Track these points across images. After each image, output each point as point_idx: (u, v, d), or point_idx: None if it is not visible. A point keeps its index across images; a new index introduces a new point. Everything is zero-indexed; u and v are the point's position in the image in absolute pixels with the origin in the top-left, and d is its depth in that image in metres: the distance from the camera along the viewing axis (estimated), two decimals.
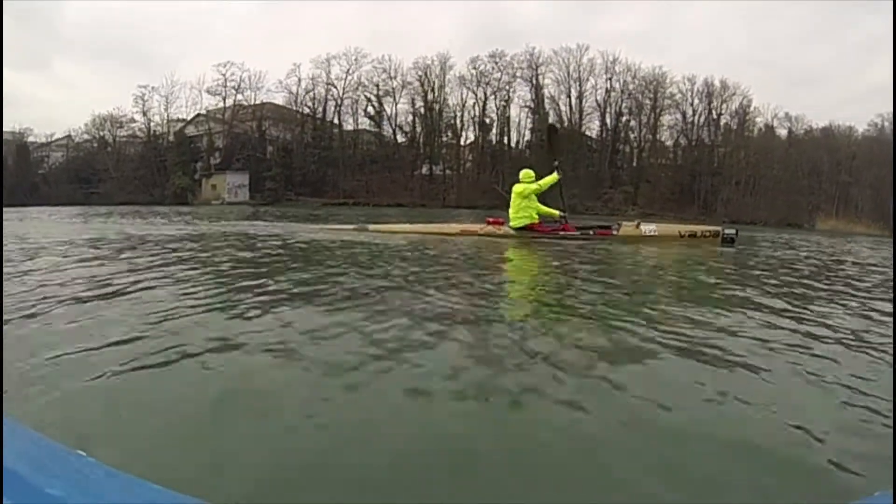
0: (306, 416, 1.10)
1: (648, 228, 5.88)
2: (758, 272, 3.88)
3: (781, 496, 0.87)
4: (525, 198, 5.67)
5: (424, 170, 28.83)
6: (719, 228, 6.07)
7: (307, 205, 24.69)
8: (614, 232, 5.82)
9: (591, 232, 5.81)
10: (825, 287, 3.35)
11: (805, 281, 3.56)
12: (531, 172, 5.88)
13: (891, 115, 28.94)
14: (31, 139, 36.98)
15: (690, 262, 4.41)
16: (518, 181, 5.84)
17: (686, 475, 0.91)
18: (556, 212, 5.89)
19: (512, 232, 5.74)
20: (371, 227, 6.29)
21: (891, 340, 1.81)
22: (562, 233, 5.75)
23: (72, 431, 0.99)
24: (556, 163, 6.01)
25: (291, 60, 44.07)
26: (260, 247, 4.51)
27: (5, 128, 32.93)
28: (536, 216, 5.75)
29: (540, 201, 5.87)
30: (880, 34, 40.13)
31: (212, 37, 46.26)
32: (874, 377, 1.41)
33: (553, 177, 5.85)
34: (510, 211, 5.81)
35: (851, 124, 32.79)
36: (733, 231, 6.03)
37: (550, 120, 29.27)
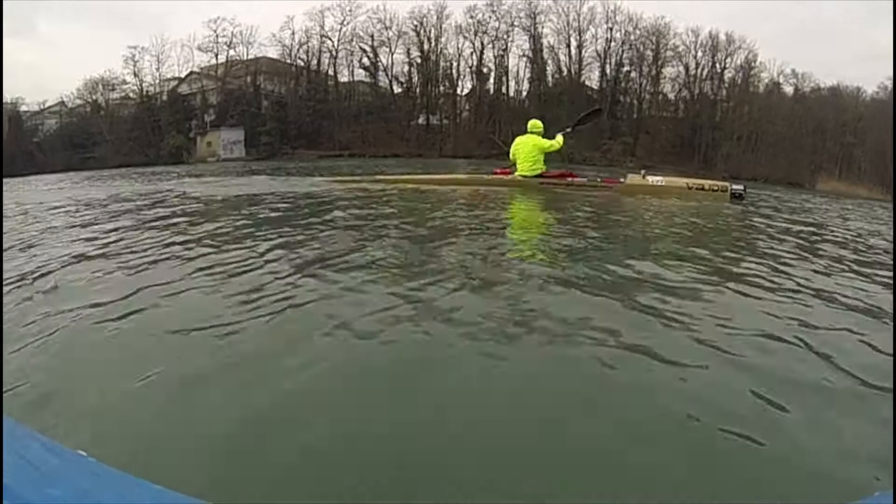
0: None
1: (655, 179, 5.81)
2: (769, 234, 3.64)
3: (781, 496, 0.86)
4: (540, 152, 5.69)
5: (421, 120, 28.41)
6: (727, 184, 5.92)
7: (303, 158, 24.53)
8: (621, 180, 5.84)
9: (598, 180, 5.83)
10: (837, 257, 3.03)
11: (819, 249, 3.21)
12: (539, 123, 5.85)
13: None
14: (23, 108, 36.86)
15: (698, 216, 4.23)
16: (525, 131, 5.82)
17: (682, 474, 0.89)
18: (557, 143, 5.78)
19: (520, 178, 5.74)
20: (382, 177, 6.41)
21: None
22: (569, 180, 5.75)
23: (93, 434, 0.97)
24: (570, 130, 5.98)
25: (285, 13, 42.76)
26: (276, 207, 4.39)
27: None
28: (544, 166, 5.77)
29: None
30: None
31: None
32: (875, 371, 1.35)
33: (559, 142, 5.83)
34: (519, 160, 5.79)
35: (860, 85, 31.93)
36: (741, 187, 5.89)
37: (549, 71, 28.75)
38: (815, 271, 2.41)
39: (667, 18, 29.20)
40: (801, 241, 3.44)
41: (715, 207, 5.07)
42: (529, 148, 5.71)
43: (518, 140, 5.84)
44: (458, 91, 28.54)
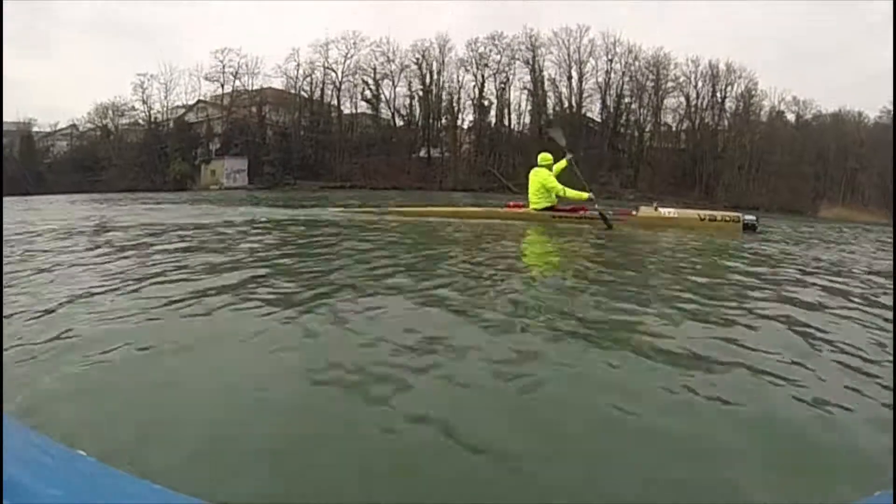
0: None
1: (667, 211, 5.84)
2: (783, 265, 3.58)
3: (782, 496, 0.87)
4: (547, 188, 5.71)
5: (422, 153, 28.71)
6: (739, 215, 5.89)
7: (305, 188, 24.81)
8: (633, 213, 5.84)
9: (610, 213, 5.80)
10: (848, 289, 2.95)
11: (832, 280, 3.13)
12: (549, 156, 5.88)
13: None
14: (35, 129, 37.75)
15: (712, 249, 4.20)
16: (535, 164, 5.89)
17: (685, 475, 0.90)
18: (586, 194, 5.73)
19: (532, 212, 5.79)
20: (394, 209, 6.50)
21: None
22: (581, 213, 5.75)
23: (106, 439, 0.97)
24: (568, 154, 6.01)
25: (290, 45, 43.70)
26: (285, 235, 4.50)
27: (10, 118, 33.52)
28: (556, 199, 5.78)
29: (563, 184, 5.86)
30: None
31: (212, 21, 46.14)
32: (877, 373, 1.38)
33: (561, 163, 5.89)
34: (530, 194, 5.84)
35: (862, 110, 31.90)
36: (753, 217, 5.86)
37: (550, 104, 29.00)
38: (822, 303, 2.40)
39: (666, 49, 29.48)
40: (812, 273, 3.36)
41: (727, 238, 5.05)
42: (537, 182, 5.77)
43: (531, 174, 5.89)
44: (459, 123, 28.95)
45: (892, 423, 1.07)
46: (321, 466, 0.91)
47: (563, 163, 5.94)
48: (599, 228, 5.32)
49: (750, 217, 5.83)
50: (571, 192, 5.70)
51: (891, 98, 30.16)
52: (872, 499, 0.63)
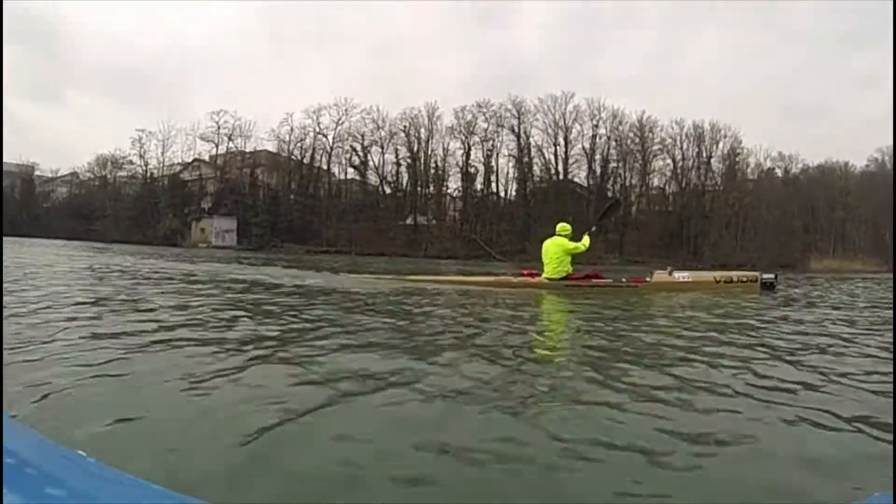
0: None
1: (682, 275, 5.74)
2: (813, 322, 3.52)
3: (782, 496, 0.89)
4: (566, 254, 5.69)
5: (409, 220, 28.97)
6: (757, 274, 5.82)
7: (292, 251, 24.98)
8: (647, 279, 5.77)
9: (623, 280, 5.79)
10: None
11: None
12: (567, 226, 5.89)
13: (891, 149, 28.78)
14: (37, 173, 38.62)
15: (728, 314, 3.99)
16: (554, 233, 5.86)
17: (682, 473, 0.95)
18: (588, 240, 5.80)
19: (546, 281, 5.75)
20: (409, 277, 6.45)
21: None
22: (594, 281, 5.70)
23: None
24: (595, 229, 6.01)
25: (284, 110, 45.14)
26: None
27: (13, 159, 34.40)
28: (571, 268, 5.77)
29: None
30: (875, 70, 40.25)
31: (216, 83, 47.92)
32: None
33: (586, 243, 5.83)
34: (545, 262, 5.81)
35: (848, 160, 32.38)
36: (772, 276, 5.77)
37: (536, 170, 29.51)
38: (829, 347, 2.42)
39: (647, 113, 30.21)
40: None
41: (745, 300, 4.90)
42: (556, 250, 5.70)
43: (546, 243, 5.84)
44: (446, 191, 29.33)
45: (893, 423, 1.09)
46: (321, 468, 0.94)
47: (587, 240, 5.87)
48: (613, 290, 5.38)
49: (768, 276, 5.69)
50: (586, 240, 5.75)
51: (879, 146, 30.90)
52: (872, 499, 0.65)
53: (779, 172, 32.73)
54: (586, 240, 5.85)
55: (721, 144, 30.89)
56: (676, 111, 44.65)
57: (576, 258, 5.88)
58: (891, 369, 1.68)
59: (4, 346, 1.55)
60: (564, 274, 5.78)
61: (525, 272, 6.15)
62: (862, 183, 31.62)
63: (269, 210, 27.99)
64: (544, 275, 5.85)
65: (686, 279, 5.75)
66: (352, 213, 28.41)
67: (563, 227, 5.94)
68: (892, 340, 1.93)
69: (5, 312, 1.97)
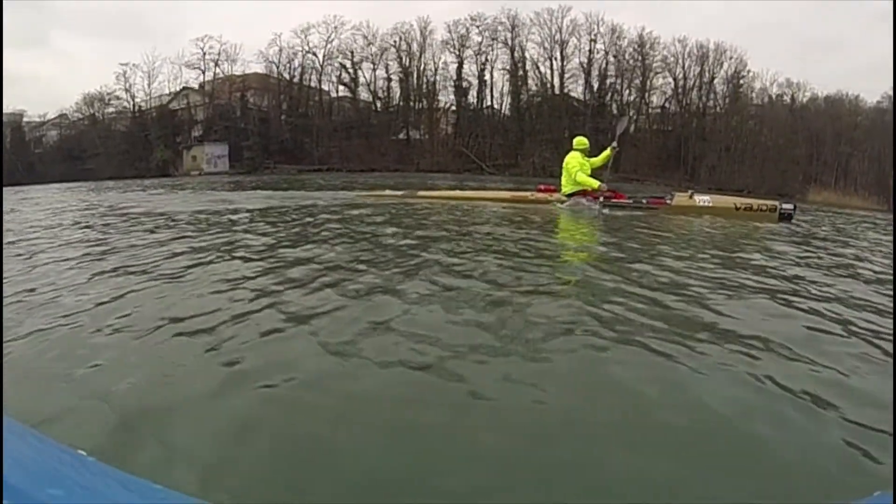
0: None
1: (702, 199, 5.73)
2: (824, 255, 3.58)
3: (782, 496, 0.87)
4: (580, 170, 5.63)
5: (402, 135, 28.55)
6: (776, 203, 5.75)
7: (284, 172, 24.83)
8: (668, 202, 5.77)
9: (643, 201, 5.78)
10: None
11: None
12: (584, 140, 5.79)
13: None
14: (25, 120, 37.98)
15: (747, 239, 4.09)
16: (571, 148, 5.82)
17: (682, 474, 0.91)
18: (596, 183, 5.68)
19: (563, 197, 5.72)
20: (420, 192, 6.54)
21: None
22: (614, 200, 5.66)
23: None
24: (614, 144, 5.86)
25: (272, 30, 43.29)
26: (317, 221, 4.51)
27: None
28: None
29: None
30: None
31: (204, 9, 45.74)
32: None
33: (606, 155, 5.81)
34: (563, 179, 5.77)
35: (860, 94, 30.98)
36: (791, 206, 5.69)
37: (532, 84, 28.69)
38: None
39: (648, 29, 28.98)
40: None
41: (766, 228, 4.98)
42: (574, 164, 5.68)
43: (567, 158, 5.79)
44: (439, 105, 28.69)
45: (892, 424, 1.06)
46: (321, 468, 0.91)
47: (608, 151, 5.83)
48: (631, 209, 5.45)
49: (787, 206, 5.65)
50: (582, 178, 5.64)
51: (891, 85, 29.66)
52: (872, 499, 0.63)
53: (786, 99, 31.45)
54: (601, 157, 5.71)
55: (726, 66, 29.65)
56: (680, 31, 42.52)
57: (595, 173, 5.72)
58: None
59: (4, 343, 1.43)
60: (578, 189, 5.62)
61: (543, 187, 6.05)
62: (872, 117, 30.36)
63: (260, 133, 27.60)
64: (563, 191, 5.72)
65: (707, 203, 5.69)
66: (343, 130, 27.99)
67: (579, 140, 5.78)
68: (892, 328, 1.73)
69: (5, 305, 1.82)
